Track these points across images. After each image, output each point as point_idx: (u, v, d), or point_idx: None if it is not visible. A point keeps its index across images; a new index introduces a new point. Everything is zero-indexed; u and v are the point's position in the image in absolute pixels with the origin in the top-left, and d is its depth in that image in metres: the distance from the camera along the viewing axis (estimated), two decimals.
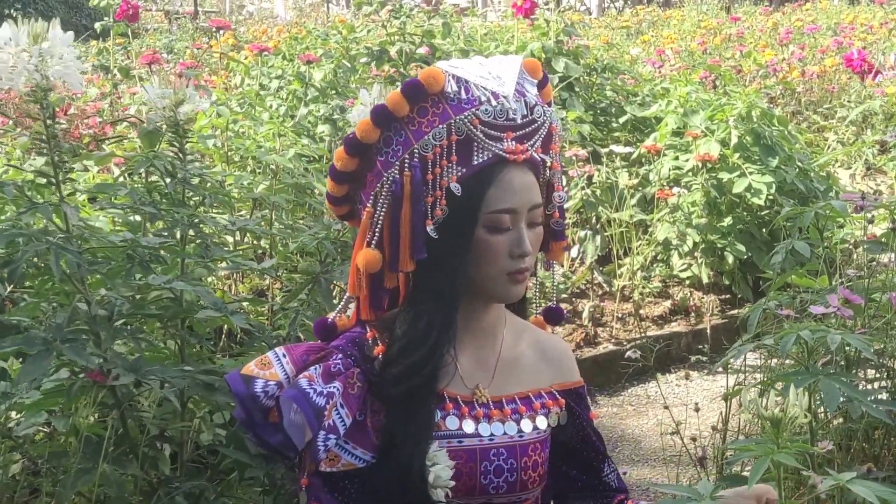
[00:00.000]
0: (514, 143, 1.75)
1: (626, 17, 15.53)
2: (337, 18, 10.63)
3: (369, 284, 1.79)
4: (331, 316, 1.85)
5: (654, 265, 5.48)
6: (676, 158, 5.58)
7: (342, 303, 1.86)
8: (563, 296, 5.15)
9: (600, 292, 5.34)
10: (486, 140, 1.73)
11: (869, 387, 3.09)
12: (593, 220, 5.45)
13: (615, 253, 5.37)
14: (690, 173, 5.46)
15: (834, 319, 2.86)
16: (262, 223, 3.63)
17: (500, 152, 1.73)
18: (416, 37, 6.20)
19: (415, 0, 6.61)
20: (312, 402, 1.70)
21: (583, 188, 5.30)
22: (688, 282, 5.44)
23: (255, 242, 4.36)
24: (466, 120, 1.72)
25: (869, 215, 3.58)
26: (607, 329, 5.10)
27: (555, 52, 5.92)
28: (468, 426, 1.83)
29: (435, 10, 6.67)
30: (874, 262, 3.33)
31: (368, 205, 1.77)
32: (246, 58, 6.98)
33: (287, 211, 4.34)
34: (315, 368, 1.75)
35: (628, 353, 3.83)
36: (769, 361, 3.52)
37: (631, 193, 5.42)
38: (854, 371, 3.02)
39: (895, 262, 3.40)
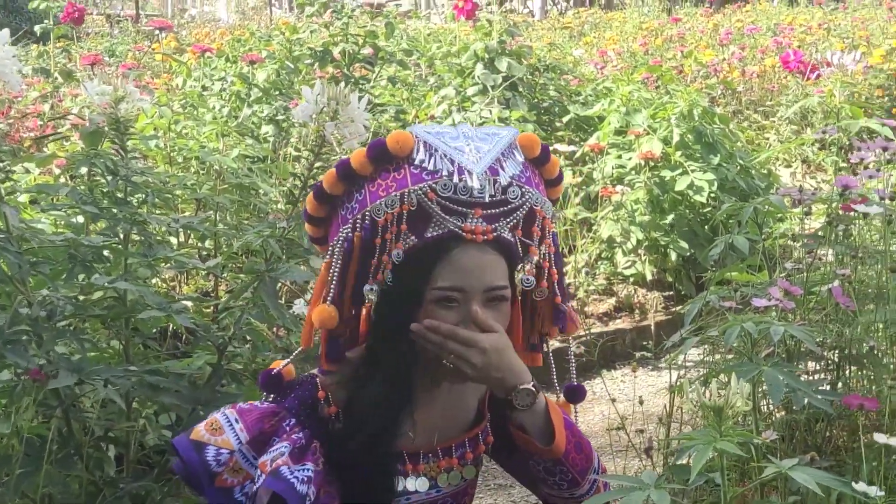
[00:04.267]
0: (479, 221, 1.71)
1: (569, 18, 15.59)
2: (280, 21, 10.60)
3: (325, 339, 1.78)
4: (276, 367, 1.83)
5: (599, 263, 5.51)
6: (620, 157, 5.62)
7: (293, 355, 1.86)
8: None
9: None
10: (443, 215, 1.70)
11: (810, 378, 3.13)
12: None
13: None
14: (633, 171, 5.51)
15: (774, 312, 2.90)
16: (207, 223, 3.61)
17: (456, 229, 1.71)
18: (360, 37, 6.19)
19: (357, 1, 6.59)
20: (298, 493, 1.67)
21: None
22: (632, 279, 5.49)
23: (198, 244, 4.34)
24: (421, 192, 1.70)
25: (807, 209, 3.62)
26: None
27: (498, 52, 5.94)
28: (421, 484, 1.84)
29: (378, 11, 6.67)
30: (813, 256, 3.37)
31: (328, 255, 1.77)
32: (188, 59, 6.94)
33: (231, 211, 4.32)
34: (284, 448, 1.71)
35: (572, 348, 3.85)
36: (712, 356, 3.56)
37: (575, 192, 5.45)
38: (795, 363, 3.06)
39: (833, 256, 3.45)
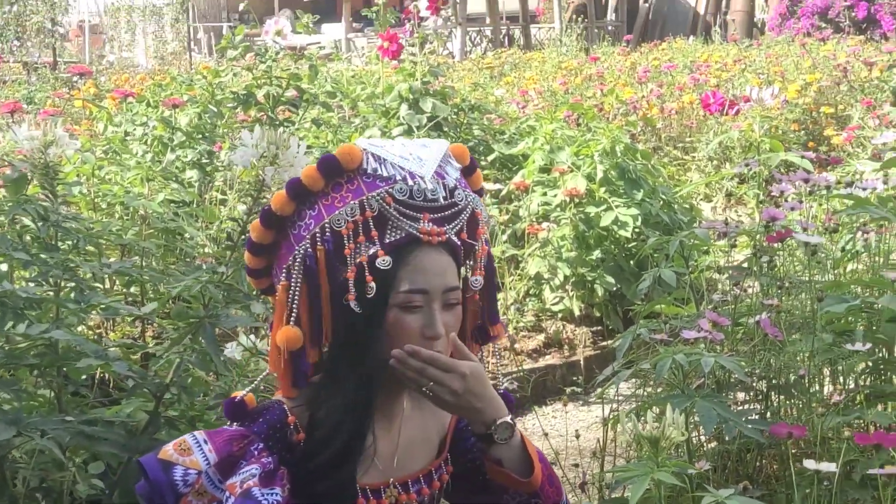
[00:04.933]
0: (430, 224, 1.74)
1: (489, 59, 15.74)
2: (201, 65, 10.56)
3: (290, 362, 1.77)
4: (239, 394, 1.81)
5: (527, 299, 5.55)
6: (545, 194, 5.67)
7: (257, 380, 1.86)
8: None
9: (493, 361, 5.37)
10: (400, 219, 1.73)
11: (740, 409, 3.18)
12: None
13: None
14: (559, 208, 5.56)
15: (703, 345, 2.94)
16: (136, 269, 3.58)
17: (414, 232, 1.73)
18: (284, 80, 6.19)
19: (280, 44, 6.58)
20: None
21: None
22: (560, 315, 5.52)
23: (123, 290, 4.29)
24: (379, 197, 1.72)
25: (732, 242, 3.69)
26: (484, 364, 5.13)
27: (422, 93, 5.98)
28: None
29: (299, 53, 6.68)
30: (739, 288, 3.43)
31: (283, 278, 1.76)
32: (109, 105, 6.89)
33: (157, 256, 4.29)
34: (254, 470, 1.70)
35: (504, 385, 3.87)
36: (642, 389, 3.59)
37: (502, 229, 5.49)
38: (724, 394, 3.11)
39: (758, 287, 3.52)
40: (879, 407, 3.08)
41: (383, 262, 1.71)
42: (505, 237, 5.49)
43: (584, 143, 5.80)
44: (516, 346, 5.32)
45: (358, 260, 1.72)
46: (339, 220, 1.72)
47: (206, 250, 4.34)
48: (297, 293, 1.74)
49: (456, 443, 2.00)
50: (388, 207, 1.73)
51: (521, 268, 5.52)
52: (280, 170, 2.21)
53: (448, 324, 1.78)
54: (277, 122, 5.76)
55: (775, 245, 3.41)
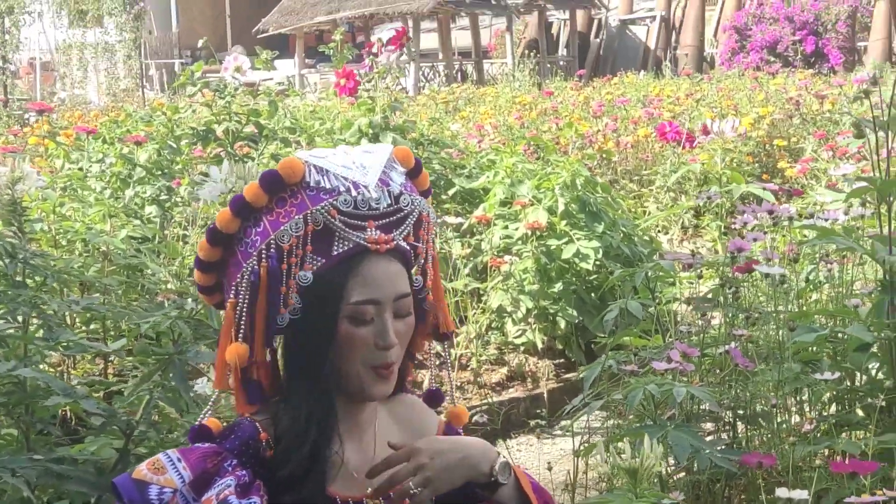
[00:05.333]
0: (377, 232, 1.73)
1: (444, 94, 15.81)
2: (155, 102, 10.53)
3: (240, 379, 1.76)
4: (200, 420, 1.79)
5: (490, 333, 5.54)
6: (506, 227, 5.69)
7: (210, 404, 1.83)
8: None
9: (438, 362, 5.36)
10: (347, 230, 1.71)
11: (710, 438, 3.19)
12: None
13: None
14: (521, 241, 5.58)
15: (671, 375, 2.96)
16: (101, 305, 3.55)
17: (361, 242, 1.72)
18: (243, 116, 6.19)
19: (238, 80, 6.58)
20: None
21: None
22: (523, 348, 5.53)
23: (84, 327, 4.25)
24: (324, 210, 1.71)
25: (698, 273, 3.72)
26: (447, 398, 5.12)
27: (382, 128, 6.00)
28: None
29: (256, 90, 6.69)
30: (706, 319, 3.46)
31: (231, 295, 1.75)
32: (66, 141, 6.84)
33: (119, 293, 4.26)
34: (230, 482, 1.68)
35: (475, 417, 3.88)
36: (611, 421, 3.60)
37: (464, 263, 5.50)
38: (693, 424, 3.12)
39: (722, 318, 3.54)
40: (844, 435, 3.10)
41: (304, 277, 1.70)
42: (467, 270, 5.50)
43: (544, 176, 5.83)
44: (480, 379, 5.31)
45: (294, 273, 1.71)
46: (283, 235, 1.71)
47: (169, 286, 4.31)
48: (244, 310, 1.73)
49: None
50: (332, 220, 1.71)
51: (484, 301, 5.53)
52: None
53: (400, 332, 1.77)
54: (237, 158, 5.75)
55: (740, 276, 3.44)
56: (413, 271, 1.82)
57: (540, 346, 5.46)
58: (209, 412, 1.82)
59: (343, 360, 1.74)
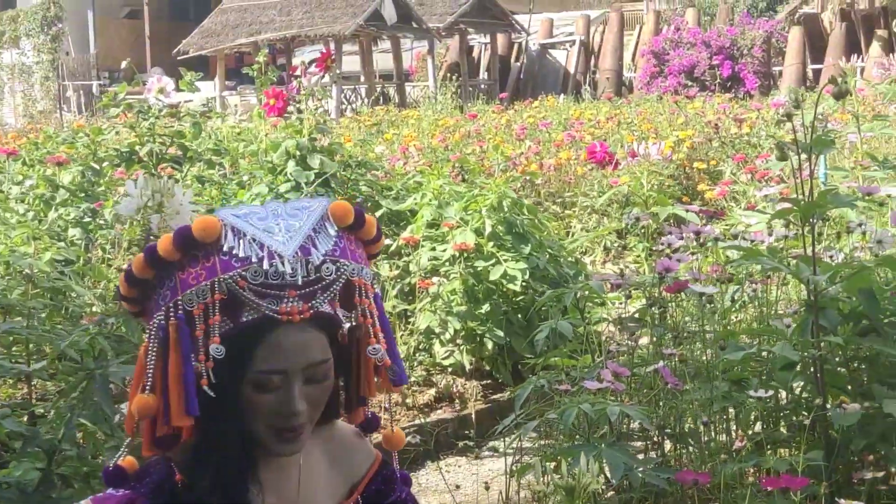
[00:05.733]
0: (295, 301, 1.67)
1: (367, 116, 15.83)
2: (75, 123, 10.40)
3: (147, 427, 1.72)
4: (112, 461, 1.75)
5: (418, 354, 5.55)
6: (434, 249, 5.71)
7: (125, 445, 1.78)
8: None
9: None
10: (256, 300, 1.66)
11: (641, 457, 3.23)
12: None
13: None
14: (448, 263, 5.60)
15: (603, 395, 2.99)
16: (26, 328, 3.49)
17: (270, 313, 1.66)
18: (167, 137, 6.14)
19: (162, 102, 6.52)
20: None
21: None
22: (451, 369, 5.54)
23: (5, 351, 4.18)
24: (231, 280, 1.65)
25: (627, 293, 3.77)
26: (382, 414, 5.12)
27: (309, 150, 5.98)
28: None
29: (177, 111, 6.63)
30: (635, 339, 3.51)
31: (145, 337, 1.71)
32: None
33: (43, 317, 4.20)
34: None
35: (408, 438, 3.87)
36: (541, 441, 3.63)
37: (392, 285, 5.50)
38: (625, 442, 3.16)
39: (648, 338, 3.59)
40: (772, 452, 3.15)
41: (216, 350, 1.65)
42: (395, 292, 5.50)
43: (471, 198, 5.86)
44: (408, 400, 5.32)
45: (207, 342, 1.66)
46: (190, 300, 1.66)
47: (95, 309, 4.25)
48: (152, 362, 1.68)
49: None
50: (241, 291, 1.66)
51: (412, 322, 5.53)
52: (166, 217, 2.19)
53: (312, 396, 1.72)
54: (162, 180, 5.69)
55: (667, 296, 3.49)
56: (346, 328, 1.77)
57: (468, 367, 5.48)
58: (125, 452, 1.77)
59: (248, 420, 1.71)
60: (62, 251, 4.76)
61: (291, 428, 1.70)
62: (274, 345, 1.67)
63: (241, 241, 1.68)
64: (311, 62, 6.72)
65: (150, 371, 1.68)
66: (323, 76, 6.35)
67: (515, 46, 27.23)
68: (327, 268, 1.70)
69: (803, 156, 3.06)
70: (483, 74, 26.88)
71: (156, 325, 1.69)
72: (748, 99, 18.15)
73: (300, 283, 1.68)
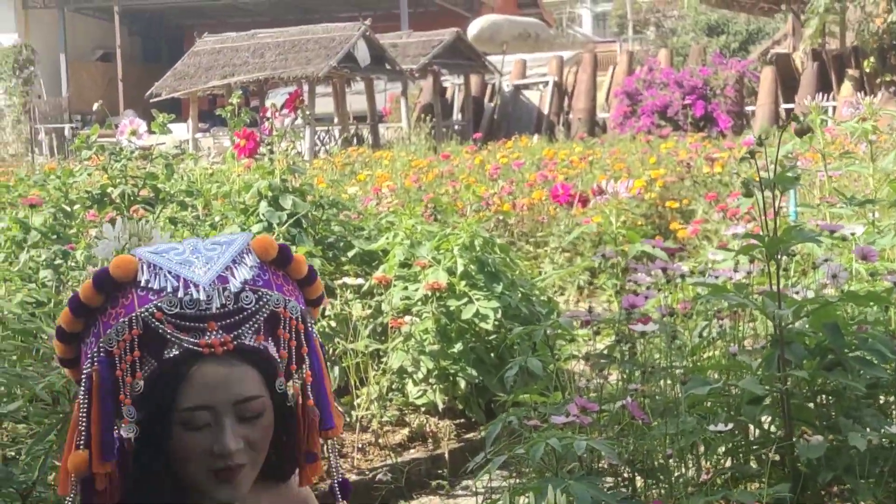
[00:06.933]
0: (217, 333, 1.64)
1: (340, 157, 15.87)
2: (46, 166, 10.39)
3: (81, 487, 1.67)
4: None
5: (391, 393, 5.56)
6: (406, 288, 5.72)
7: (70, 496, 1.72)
8: None
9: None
10: (175, 333, 1.63)
11: (609, 492, 3.25)
12: (329, 352, 5.50)
13: (352, 383, 5.43)
14: (420, 302, 5.61)
15: (571, 430, 3.01)
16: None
17: (191, 346, 1.63)
18: (139, 179, 6.16)
19: (134, 144, 6.55)
20: None
21: (318, 321, 5.35)
22: (424, 408, 5.55)
23: None
24: (147, 313, 1.62)
25: (596, 330, 3.80)
26: (349, 460, 5.12)
27: (281, 190, 6.01)
28: None
29: (149, 153, 6.67)
30: (603, 375, 3.53)
31: (77, 393, 1.68)
32: None
33: (13, 359, 4.19)
34: None
35: (379, 476, 3.89)
36: (512, 479, 3.64)
37: (364, 324, 5.51)
38: (594, 478, 3.17)
39: (618, 374, 3.62)
40: (740, 486, 3.18)
41: (136, 385, 1.62)
42: (367, 331, 5.51)
43: (444, 237, 5.89)
44: (381, 440, 5.32)
45: (127, 381, 1.62)
46: (110, 340, 1.63)
47: None
48: (84, 415, 1.65)
49: None
50: (158, 323, 1.63)
51: (385, 362, 5.54)
52: None
53: (249, 436, 1.67)
54: (134, 222, 5.70)
55: (636, 332, 3.52)
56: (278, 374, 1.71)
57: (441, 406, 5.49)
58: None
59: (181, 465, 1.67)
60: (33, 293, 4.75)
61: (227, 468, 1.65)
62: (198, 379, 1.63)
63: (158, 275, 1.66)
64: (282, 105, 6.75)
65: (83, 425, 1.65)
66: (295, 118, 6.37)
67: (489, 87, 27.38)
68: (247, 296, 1.67)
69: (768, 193, 3.10)
70: (457, 115, 27.01)
71: (84, 375, 1.65)
72: (721, 138, 18.28)
73: (218, 311, 1.64)
